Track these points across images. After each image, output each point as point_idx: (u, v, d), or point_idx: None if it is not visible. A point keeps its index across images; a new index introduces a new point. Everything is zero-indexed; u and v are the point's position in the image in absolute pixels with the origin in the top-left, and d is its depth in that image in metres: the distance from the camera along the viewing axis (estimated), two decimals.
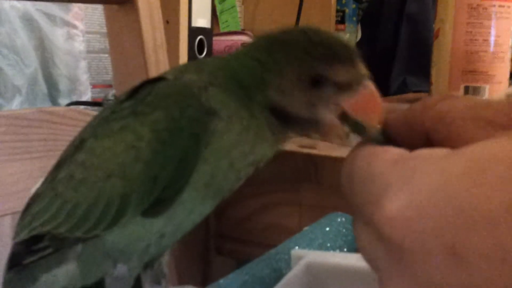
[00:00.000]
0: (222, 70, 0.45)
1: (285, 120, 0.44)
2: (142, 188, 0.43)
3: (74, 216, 0.45)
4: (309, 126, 0.44)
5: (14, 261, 0.49)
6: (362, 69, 0.44)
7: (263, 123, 0.44)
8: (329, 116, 0.43)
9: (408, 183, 0.25)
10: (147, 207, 0.44)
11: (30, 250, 0.48)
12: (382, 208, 0.25)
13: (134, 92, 0.46)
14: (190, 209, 0.45)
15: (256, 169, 0.46)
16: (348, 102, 0.43)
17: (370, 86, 0.44)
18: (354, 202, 0.29)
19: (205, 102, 0.43)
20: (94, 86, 1.17)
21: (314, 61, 0.43)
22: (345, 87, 0.43)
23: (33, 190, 0.50)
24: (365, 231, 0.28)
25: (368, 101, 0.44)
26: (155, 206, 0.44)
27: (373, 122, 0.44)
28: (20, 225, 0.49)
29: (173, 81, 0.45)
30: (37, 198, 0.48)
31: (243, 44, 0.47)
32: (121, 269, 0.47)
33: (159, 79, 0.45)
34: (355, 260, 0.49)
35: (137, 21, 0.78)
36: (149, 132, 0.43)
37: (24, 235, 0.48)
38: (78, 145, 0.47)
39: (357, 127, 0.45)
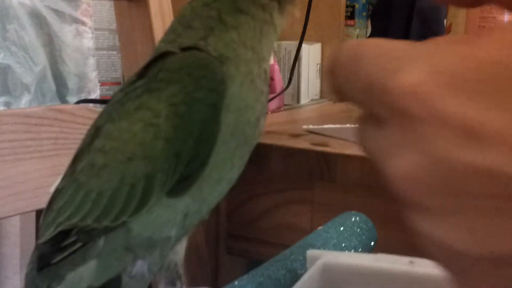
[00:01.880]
0: (208, 4, 0.45)
1: None
2: (166, 166, 0.42)
3: (100, 204, 0.44)
4: None
5: (43, 262, 0.48)
6: None
7: (263, 14, 0.45)
8: None
9: (432, 54, 0.21)
10: (172, 185, 0.43)
11: (59, 248, 0.47)
12: (400, 79, 0.21)
13: (144, 71, 0.45)
14: (218, 178, 0.45)
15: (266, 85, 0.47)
16: None
17: None
18: (362, 81, 0.24)
19: (212, 53, 0.43)
20: (102, 83, 1.16)
21: None
22: None
23: (52, 188, 0.49)
24: (373, 111, 0.24)
25: None
26: (180, 184, 0.43)
27: None
28: (44, 224, 0.48)
29: (179, 53, 0.44)
30: (59, 193, 0.47)
31: None
32: (141, 266, 0.46)
33: (164, 54, 0.45)
34: (371, 261, 0.48)
35: (147, 17, 0.77)
36: (166, 107, 0.42)
37: (50, 232, 0.47)
38: (94, 132, 0.46)
39: None
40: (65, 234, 0.46)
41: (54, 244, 0.46)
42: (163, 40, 0.48)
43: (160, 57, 0.44)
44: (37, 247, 0.48)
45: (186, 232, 0.48)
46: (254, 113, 0.45)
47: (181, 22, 0.46)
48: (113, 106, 0.46)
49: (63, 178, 0.48)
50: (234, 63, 0.43)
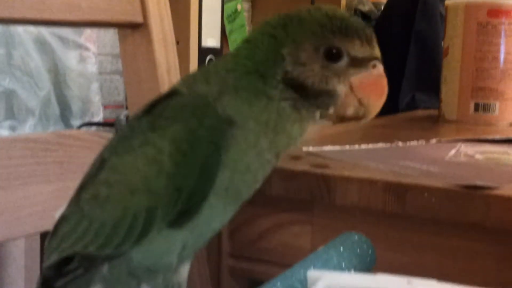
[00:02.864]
0: (232, 70, 0.46)
1: (302, 94, 0.46)
2: (167, 200, 0.44)
3: (102, 233, 0.46)
4: (324, 98, 0.46)
5: (46, 285, 0.49)
6: (377, 50, 0.46)
7: (285, 106, 0.45)
8: (342, 88, 0.46)
9: None
10: (173, 218, 0.44)
11: (61, 273, 0.48)
12: None
13: (150, 108, 0.47)
14: (211, 217, 0.46)
15: (276, 162, 0.48)
16: (357, 79, 0.46)
17: (380, 69, 0.46)
18: None
19: (220, 111, 0.44)
20: (105, 106, 1.18)
21: (331, 33, 0.45)
22: (358, 64, 0.46)
23: (57, 214, 0.50)
24: None
25: (375, 82, 0.46)
26: (180, 217, 0.44)
27: (375, 104, 0.46)
28: (49, 249, 0.50)
29: (187, 94, 0.46)
30: (63, 220, 0.49)
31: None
32: None
33: (173, 93, 0.46)
34: (372, 283, 0.49)
35: (150, 43, 0.78)
36: (169, 144, 0.44)
37: (54, 258, 0.48)
38: (99, 164, 0.48)
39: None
40: (68, 260, 0.48)
41: (58, 269, 0.48)
42: (179, 82, 0.50)
43: (168, 95, 0.46)
44: (42, 271, 0.50)
45: (186, 259, 0.50)
46: (254, 177, 0.47)
47: (202, 72, 0.48)
48: (118, 139, 0.48)
49: (69, 205, 0.49)
50: (241, 129, 0.45)
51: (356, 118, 0.48)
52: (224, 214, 0.48)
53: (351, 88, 0.46)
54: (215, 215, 0.47)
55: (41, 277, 0.50)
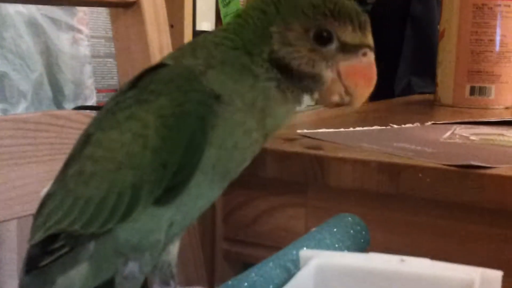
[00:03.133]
0: (220, 44, 0.45)
1: (287, 76, 0.45)
2: (153, 177, 0.43)
3: (87, 211, 0.45)
4: (309, 82, 0.45)
5: (32, 265, 0.49)
6: (370, 38, 0.45)
7: (271, 86, 0.44)
8: (329, 73, 0.45)
9: None
10: (158, 195, 0.44)
11: (47, 251, 0.48)
12: None
13: (136, 81, 0.46)
14: (198, 195, 0.46)
15: (265, 141, 0.47)
16: (345, 66, 0.45)
17: (371, 58, 0.45)
18: None
19: (206, 85, 0.43)
20: (99, 90, 1.17)
21: (323, 16, 0.44)
22: (348, 50, 0.44)
23: (43, 192, 0.50)
24: None
25: (364, 71, 0.45)
26: (166, 194, 0.44)
27: (362, 93, 0.45)
28: (34, 227, 0.49)
29: (173, 66, 0.45)
30: (49, 198, 0.48)
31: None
32: (132, 267, 0.47)
33: (159, 66, 0.45)
34: (364, 261, 0.48)
35: (142, 24, 0.78)
36: (155, 119, 0.43)
37: (39, 236, 0.48)
38: (85, 140, 0.47)
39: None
40: (53, 238, 0.47)
41: (43, 247, 0.48)
42: (167, 55, 0.49)
43: (153, 68, 0.45)
44: (28, 249, 0.49)
45: (171, 240, 0.49)
46: (242, 155, 0.46)
47: (190, 46, 0.48)
48: (104, 114, 0.47)
49: (54, 183, 0.49)
50: (227, 105, 0.44)
51: (342, 105, 0.47)
52: (211, 192, 0.47)
53: (338, 74, 0.45)
54: (202, 193, 0.46)
55: (27, 256, 0.49)
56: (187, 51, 0.46)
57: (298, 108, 0.48)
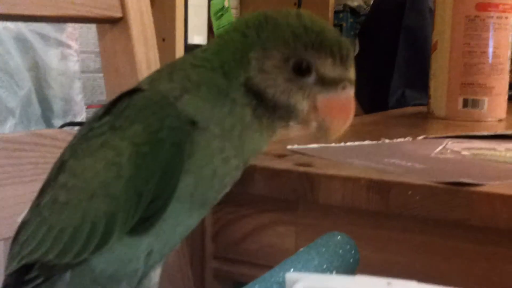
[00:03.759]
0: (197, 66, 0.44)
1: (263, 103, 0.43)
2: (127, 206, 0.42)
3: (61, 241, 0.44)
4: (284, 112, 0.44)
5: None
6: (351, 72, 0.44)
7: (247, 112, 0.43)
8: (305, 105, 0.43)
9: None
10: (134, 225, 0.43)
11: (22, 281, 0.47)
12: None
13: (111, 106, 0.45)
14: (176, 223, 0.45)
15: (244, 167, 0.46)
16: (323, 99, 0.43)
17: (350, 93, 0.44)
18: None
19: (181, 111, 0.42)
20: (88, 106, 1.16)
21: (303, 46, 0.42)
22: (327, 83, 0.43)
23: (20, 218, 0.49)
24: None
25: (341, 106, 0.44)
26: (142, 224, 0.43)
27: (337, 128, 0.44)
28: (10, 255, 0.48)
29: (148, 92, 0.44)
30: (24, 226, 0.48)
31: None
32: None
33: (134, 90, 0.45)
34: (350, 285, 0.47)
35: (129, 39, 0.77)
36: (129, 146, 0.42)
37: (14, 265, 0.47)
38: (59, 167, 0.46)
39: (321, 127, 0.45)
40: (28, 267, 0.46)
41: (18, 277, 0.47)
42: (144, 79, 0.48)
43: (129, 93, 0.45)
44: (4, 278, 0.48)
45: (151, 267, 0.48)
46: (221, 182, 0.45)
47: (168, 68, 0.47)
48: (78, 140, 0.46)
49: (29, 210, 0.48)
50: (204, 132, 0.43)
51: (316, 136, 0.46)
52: (191, 219, 0.46)
53: (315, 107, 0.44)
54: (181, 220, 0.45)
55: (3, 285, 0.48)
56: (164, 74, 0.45)
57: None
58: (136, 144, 0.42)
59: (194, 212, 0.45)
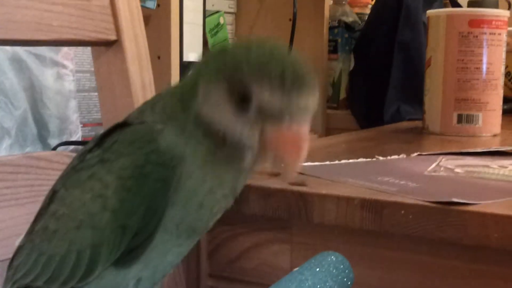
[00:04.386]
0: (173, 95, 0.44)
1: (212, 139, 0.42)
2: (112, 238, 0.42)
3: (49, 268, 0.45)
4: (235, 148, 0.41)
5: None
6: (304, 101, 0.40)
7: (206, 147, 0.42)
8: (253, 141, 0.41)
9: None
10: (120, 256, 0.43)
11: None
12: None
13: (103, 137, 0.46)
14: (165, 252, 0.45)
15: (235, 197, 0.45)
16: (271, 133, 0.40)
17: (300, 123, 0.40)
18: None
19: (163, 146, 0.42)
20: (84, 124, 1.17)
21: (244, 77, 0.40)
22: (270, 116, 0.40)
23: (17, 242, 0.50)
24: None
25: (290, 140, 0.40)
26: (127, 255, 0.43)
27: (291, 164, 0.41)
28: (6, 279, 0.49)
29: (136, 126, 0.44)
30: (19, 251, 0.49)
31: None
32: None
33: (124, 124, 0.45)
34: None
35: (124, 61, 0.78)
36: (114, 180, 0.42)
37: None
38: (51, 196, 0.47)
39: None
40: None
41: None
42: (135, 110, 0.48)
43: (119, 126, 0.45)
44: None
45: None
46: (209, 211, 0.44)
47: (154, 97, 0.47)
48: (69, 171, 0.47)
49: (25, 235, 0.49)
50: (187, 166, 0.42)
51: (277, 172, 0.44)
52: (180, 248, 0.46)
53: (264, 141, 0.41)
54: (169, 249, 0.45)
55: None
56: (149, 105, 0.46)
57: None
58: (121, 178, 0.42)
59: (183, 241, 0.45)
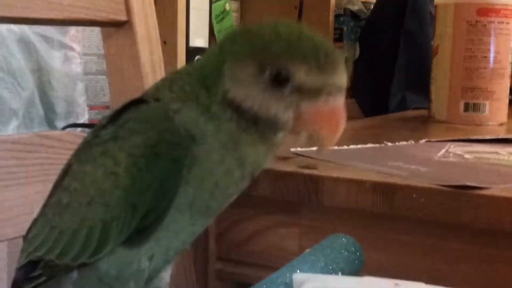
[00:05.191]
0: (190, 75, 0.44)
1: (243, 117, 0.41)
2: (122, 216, 0.42)
3: (60, 242, 0.45)
4: (266, 125, 0.41)
5: (17, 287, 0.48)
6: (338, 78, 0.41)
7: (231, 127, 0.41)
8: (288, 117, 0.41)
9: None
10: (131, 233, 0.43)
11: (28, 277, 0.47)
12: None
13: (118, 114, 0.45)
14: (177, 230, 0.45)
15: (252, 178, 0.45)
16: (306, 109, 0.40)
17: (336, 100, 0.41)
18: None
19: (180, 125, 0.41)
20: (91, 107, 1.17)
21: (276, 55, 0.40)
22: (308, 92, 0.40)
23: (35, 214, 0.50)
24: None
25: (327, 115, 0.41)
26: (138, 234, 0.43)
27: (328, 139, 0.41)
28: (21, 250, 0.49)
29: (151, 104, 0.44)
30: (34, 224, 0.48)
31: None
32: None
33: (139, 101, 0.44)
34: (358, 286, 0.48)
35: (134, 43, 0.77)
36: (126, 157, 0.42)
37: (22, 260, 0.48)
38: (65, 170, 0.46)
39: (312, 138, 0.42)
40: (34, 264, 0.47)
41: (26, 272, 0.47)
42: (150, 87, 0.48)
43: (134, 103, 0.44)
44: (15, 271, 0.49)
45: (159, 268, 0.48)
46: (225, 192, 0.44)
47: (171, 76, 0.46)
48: (83, 146, 0.46)
49: (41, 208, 0.48)
50: (203, 145, 0.42)
51: (311, 147, 0.44)
52: (193, 227, 0.46)
53: (300, 117, 0.41)
54: (182, 228, 0.45)
55: (13, 278, 0.49)
56: (167, 82, 0.45)
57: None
58: (133, 155, 0.42)
59: (197, 220, 0.45)
